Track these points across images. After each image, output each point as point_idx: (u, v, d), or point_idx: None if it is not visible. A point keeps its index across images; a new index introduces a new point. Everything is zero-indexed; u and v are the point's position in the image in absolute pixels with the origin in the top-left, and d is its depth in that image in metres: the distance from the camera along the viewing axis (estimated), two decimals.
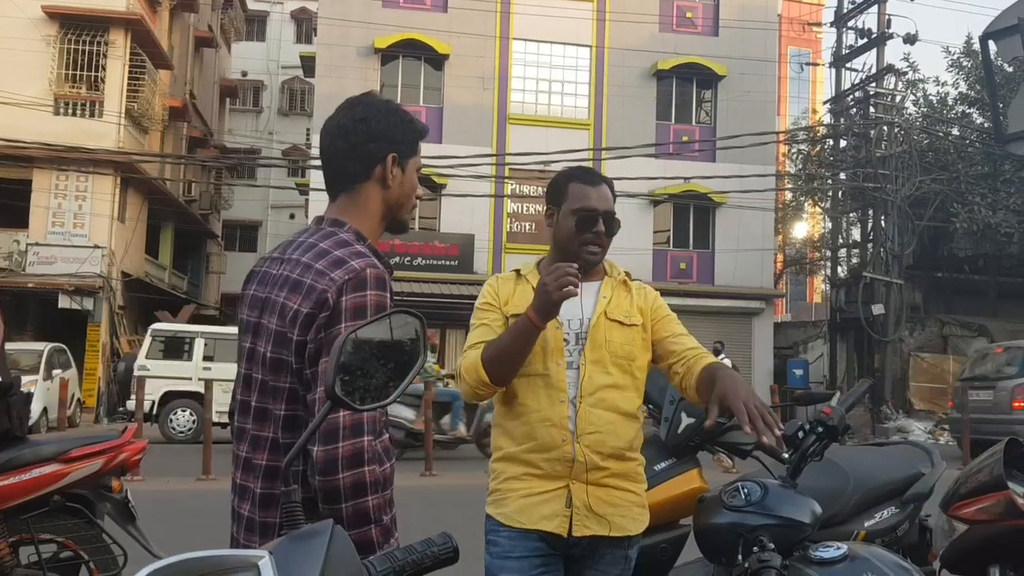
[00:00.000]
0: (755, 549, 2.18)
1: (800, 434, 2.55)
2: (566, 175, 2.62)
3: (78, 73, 22.57)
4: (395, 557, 1.35)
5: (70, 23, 22.28)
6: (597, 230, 2.49)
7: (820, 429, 2.54)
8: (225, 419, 15.19)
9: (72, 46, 22.35)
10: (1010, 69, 23.62)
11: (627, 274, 2.64)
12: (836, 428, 2.53)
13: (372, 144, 1.95)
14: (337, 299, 1.76)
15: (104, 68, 22.50)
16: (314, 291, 1.78)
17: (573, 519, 2.38)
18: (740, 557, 2.23)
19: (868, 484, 3.30)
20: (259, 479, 1.83)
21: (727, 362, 17.39)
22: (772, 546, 2.17)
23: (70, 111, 22.57)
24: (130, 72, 22.91)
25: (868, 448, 4.13)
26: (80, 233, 22.04)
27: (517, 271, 2.63)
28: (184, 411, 16.20)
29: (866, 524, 3.27)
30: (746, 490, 2.36)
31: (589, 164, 24.09)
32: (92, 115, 22.53)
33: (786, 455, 2.70)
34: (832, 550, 2.14)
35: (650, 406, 3.45)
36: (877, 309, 22.80)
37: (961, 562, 2.64)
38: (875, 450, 4.11)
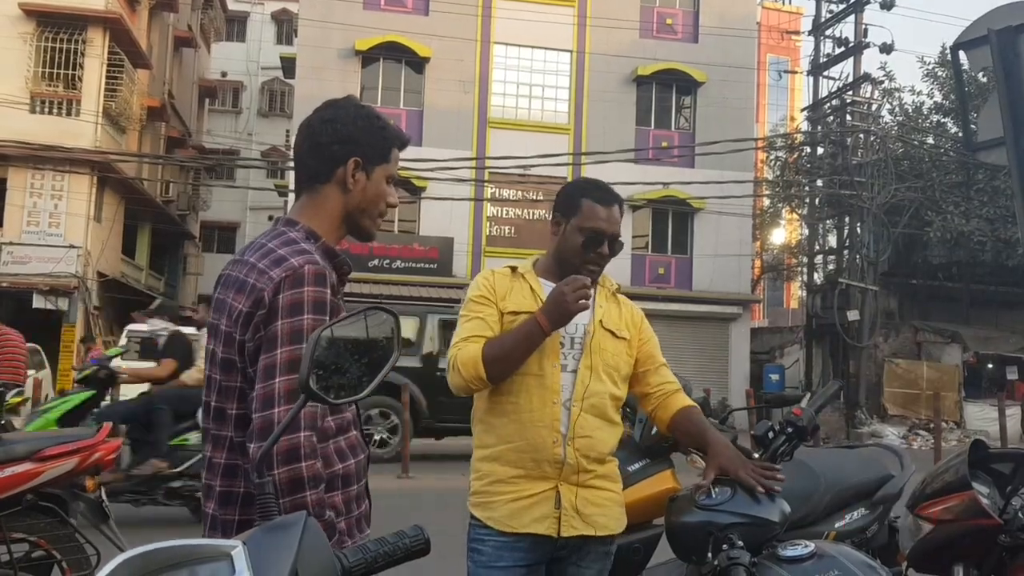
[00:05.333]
0: (724, 547, 2.21)
1: (770, 435, 2.59)
2: (581, 188, 2.65)
3: (55, 71, 22.36)
4: (367, 549, 1.37)
5: (48, 21, 22.07)
6: (601, 251, 2.54)
7: (790, 430, 2.57)
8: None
9: (49, 44, 22.14)
10: (984, 80, 23.91)
11: (618, 286, 2.70)
12: (805, 429, 2.57)
13: (336, 146, 1.96)
14: (273, 297, 1.77)
15: (82, 67, 22.30)
16: (254, 290, 1.80)
17: (561, 520, 2.42)
18: (710, 555, 2.26)
19: (839, 486, 3.34)
20: (218, 477, 1.85)
21: None
22: (741, 544, 2.20)
23: (47, 109, 22.35)
24: (108, 71, 22.71)
25: (839, 450, 4.17)
26: (55, 233, 21.82)
27: (512, 268, 2.63)
28: None
29: (836, 525, 3.30)
30: (716, 489, 2.39)
31: (568, 168, 24.20)
32: (69, 114, 22.32)
33: (756, 456, 2.74)
34: (800, 548, 2.18)
35: (626, 408, 3.49)
36: (852, 315, 22.98)
37: (927, 561, 2.69)
38: (846, 452, 4.15)
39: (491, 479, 2.48)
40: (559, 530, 2.42)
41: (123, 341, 16.76)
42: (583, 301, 2.34)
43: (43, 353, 18.46)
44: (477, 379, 2.41)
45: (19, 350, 8.62)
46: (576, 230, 2.54)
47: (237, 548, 1.18)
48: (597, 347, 2.52)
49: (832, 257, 26.32)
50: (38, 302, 21.37)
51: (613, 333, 2.57)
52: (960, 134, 24.38)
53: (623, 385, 2.60)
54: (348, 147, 1.96)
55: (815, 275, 27.10)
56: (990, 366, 24.74)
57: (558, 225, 2.61)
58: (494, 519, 2.44)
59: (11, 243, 21.47)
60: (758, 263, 32.09)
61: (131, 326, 17.71)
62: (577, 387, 2.47)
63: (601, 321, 2.56)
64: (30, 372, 16.63)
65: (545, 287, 2.53)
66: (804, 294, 29.55)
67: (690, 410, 2.60)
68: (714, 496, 2.37)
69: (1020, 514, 2.51)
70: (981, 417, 21.53)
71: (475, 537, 2.49)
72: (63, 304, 21.62)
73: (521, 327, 2.42)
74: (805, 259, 28.31)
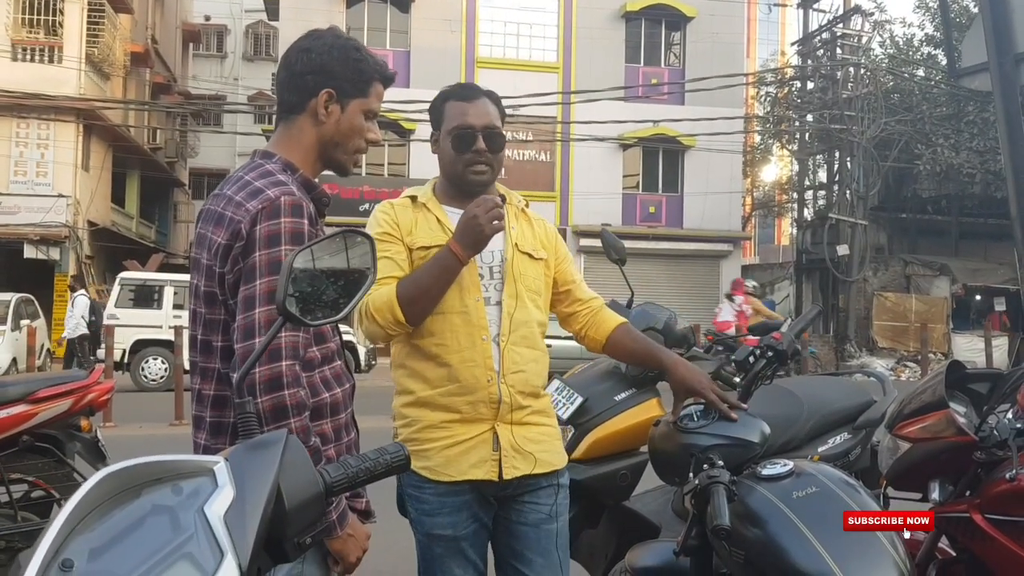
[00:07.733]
0: (705, 467, 2.25)
1: (751, 359, 2.62)
2: (443, 95, 2.46)
3: (36, 18, 22.02)
4: (348, 464, 1.40)
5: None
6: (477, 148, 2.36)
7: (770, 354, 2.61)
8: None
9: None
10: (975, 10, 23.65)
11: (527, 203, 2.56)
12: (785, 352, 2.60)
13: (310, 76, 1.94)
14: (251, 228, 1.78)
15: (62, 12, 21.95)
16: (232, 223, 1.81)
17: (502, 462, 2.30)
18: (691, 475, 2.31)
19: (822, 411, 3.40)
20: (208, 408, 1.88)
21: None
22: (721, 463, 2.24)
23: (29, 57, 22.05)
24: (89, 16, 22.37)
25: (823, 377, 4.25)
26: (44, 182, 21.69)
27: (412, 197, 2.45)
28: (156, 359, 16.18)
29: (820, 449, 3.36)
30: (698, 413, 2.43)
31: (557, 108, 24.01)
32: (52, 61, 22.03)
33: (737, 379, 2.78)
34: (779, 467, 2.22)
35: None
36: (842, 250, 23.06)
37: (904, 479, 2.75)
38: (829, 379, 4.22)
39: (420, 425, 2.31)
40: (500, 473, 2.29)
41: (116, 289, 16.80)
42: (497, 222, 2.19)
43: (37, 303, 18.49)
44: (395, 323, 2.23)
45: None
46: (446, 136, 2.39)
47: (219, 463, 1.21)
48: (518, 273, 2.37)
49: (822, 192, 26.31)
50: (29, 252, 21.34)
51: (530, 255, 2.42)
52: None
53: (546, 309, 2.48)
54: (321, 78, 1.94)
55: (805, 211, 27.11)
56: (978, 298, 24.89)
57: (436, 143, 2.45)
58: (429, 468, 2.28)
59: (0, 193, 21.35)
60: (748, 200, 32.05)
61: (123, 274, 17.73)
62: (504, 320, 2.32)
63: (517, 244, 2.40)
64: (24, 322, 16.78)
65: (450, 214, 2.37)
66: (794, 230, 29.56)
67: (627, 327, 2.50)
68: (695, 418, 2.41)
69: (995, 431, 2.56)
70: (969, 348, 21.72)
71: (411, 484, 2.32)
72: (55, 254, 21.59)
73: (435, 260, 2.24)
74: (795, 195, 28.28)
